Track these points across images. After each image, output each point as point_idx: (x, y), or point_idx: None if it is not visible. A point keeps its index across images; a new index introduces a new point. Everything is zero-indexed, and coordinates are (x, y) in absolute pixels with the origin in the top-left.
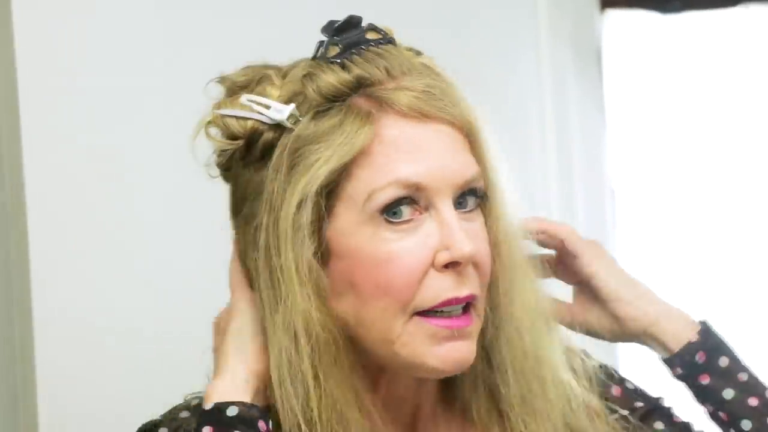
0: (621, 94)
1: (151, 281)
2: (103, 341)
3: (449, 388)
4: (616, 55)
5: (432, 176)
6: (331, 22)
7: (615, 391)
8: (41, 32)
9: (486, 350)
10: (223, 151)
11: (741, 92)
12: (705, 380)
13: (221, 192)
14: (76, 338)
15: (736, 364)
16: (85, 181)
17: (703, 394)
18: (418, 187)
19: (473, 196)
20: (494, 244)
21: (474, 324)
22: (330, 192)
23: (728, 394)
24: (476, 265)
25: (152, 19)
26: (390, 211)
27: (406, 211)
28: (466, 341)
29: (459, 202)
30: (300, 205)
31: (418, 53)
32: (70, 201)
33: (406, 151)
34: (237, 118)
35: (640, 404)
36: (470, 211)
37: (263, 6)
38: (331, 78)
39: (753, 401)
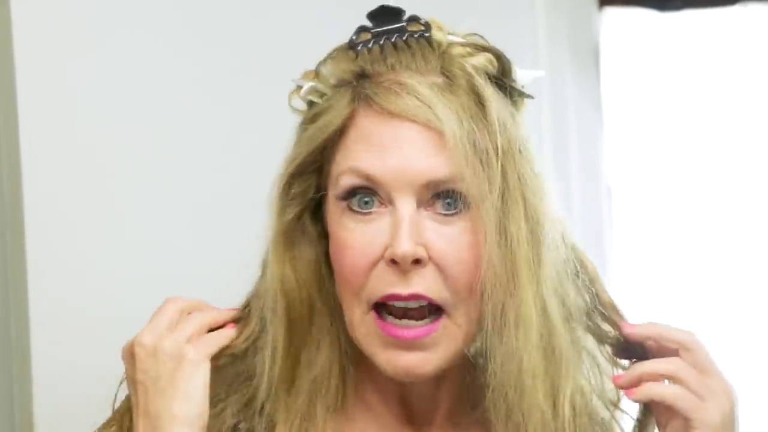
0: (618, 92)
1: (149, 280)
2: (101, 340)
3: (471, 392)
4: (614, 54)
5: (389, 172)
6: (377, 8)
7: None
8: (39, 30)
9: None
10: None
11: (739, 91)
12: None
13: (221, 191)
14: (73, 337)
15: None
16: (82, 179)
17: None
18: (371, 179)
19: (458, 201)
20: (483, 253)
21: (436, 335)
22: (320, 170)
23: None
24: (441, 269)
25: (152, 17)
26: (361, 200)
27: (375, 201)
28: (416, 352)
29: (447, 204)
30: (284, 177)
31: (476, 52)
32: (68, 199)
33: (372, 143)
34: (301, 89)
35: None
36: (453, 214)
37: (264, 5)
38: (340, 65)
39: None
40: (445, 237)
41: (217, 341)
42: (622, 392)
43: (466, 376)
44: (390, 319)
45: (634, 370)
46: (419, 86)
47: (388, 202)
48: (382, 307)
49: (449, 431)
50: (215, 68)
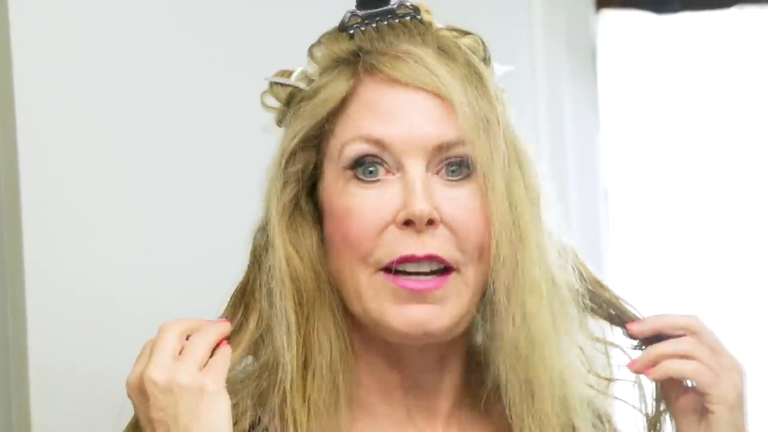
0: (615, 94)
1: (147, 279)
2: (98, 339)
3: (473, 383)
4: (611, 56)
5: (398, 137)
6: None
7: None
8: (37, 28)
9: (490, 330)
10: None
11: (736, 93)
12: None
13: (219, 190)
14: (71, 337)
15: None
16: (80, 179)
17: None
18: (380, 144)
19: (464, 166)
20: (490, 217)
21: (446, 288)
22: (318, 147)
23: None
24: (452, 230)
25: (150, 17)
26: (366, 170)
27: (380, 170)
28: (429, 305)
29: (452, 171)
30: (286, 153)
31: (462, 35)
32: (66, 198)
33: (377, 111)
34: (281, 84)
35: None
36: (460, 179)
37: (262, 5)
38: (336, 45)
39: None
40: (455, 200)
41: (224, 365)
42: (615, 371)
43: (469, 369)
44: (399, 274)
45: (649, 354)
46: (425, 55)
47: (395, 168)
48: (390, 272)
49: (453, 426)
50: (213, 68)
